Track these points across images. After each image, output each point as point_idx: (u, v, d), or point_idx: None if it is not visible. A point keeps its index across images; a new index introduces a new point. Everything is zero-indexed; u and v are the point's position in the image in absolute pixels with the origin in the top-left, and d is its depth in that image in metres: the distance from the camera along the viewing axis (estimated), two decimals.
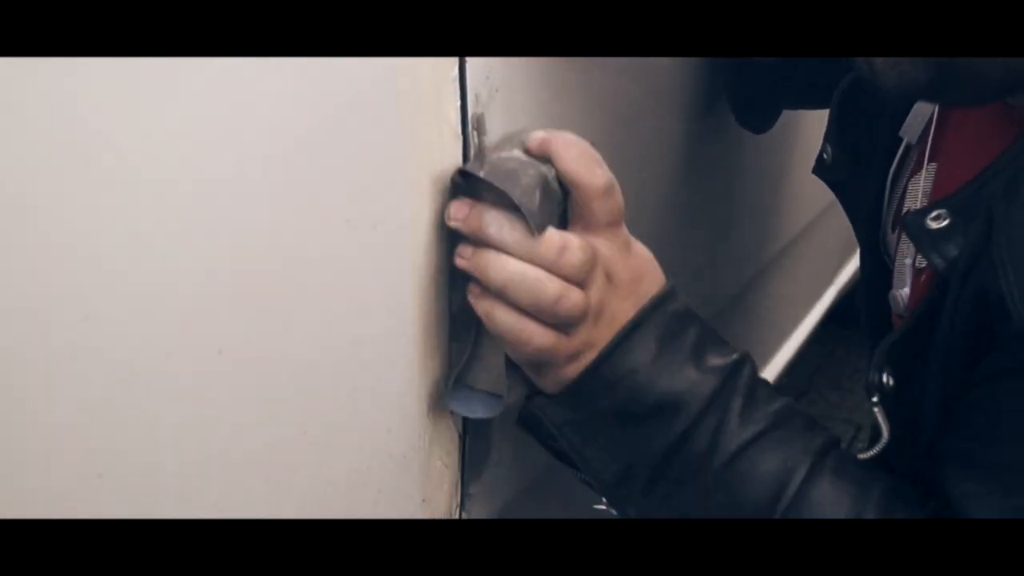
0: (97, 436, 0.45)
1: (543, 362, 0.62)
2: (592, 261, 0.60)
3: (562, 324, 0.60)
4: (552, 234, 0.58)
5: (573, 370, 0.62)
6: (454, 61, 0.60)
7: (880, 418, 0.65)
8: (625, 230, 0.63)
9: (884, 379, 0.65)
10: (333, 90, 0.53)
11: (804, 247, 1.53)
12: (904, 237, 0.73)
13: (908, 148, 0.78)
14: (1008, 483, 0.57)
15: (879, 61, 0.58)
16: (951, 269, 0.59)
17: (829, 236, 1.63)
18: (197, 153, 0.47)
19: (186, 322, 0.48)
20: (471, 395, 0.66)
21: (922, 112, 0.75)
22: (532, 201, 0.57)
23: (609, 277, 0.62)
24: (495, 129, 0.64)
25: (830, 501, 0.60)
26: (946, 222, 0.61)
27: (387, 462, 0.63)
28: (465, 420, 0.70)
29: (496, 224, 0.58)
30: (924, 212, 0.62)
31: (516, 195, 0.57)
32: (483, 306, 0.60)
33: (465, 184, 0.61)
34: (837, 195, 0.90)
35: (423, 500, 0.67)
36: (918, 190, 0.73)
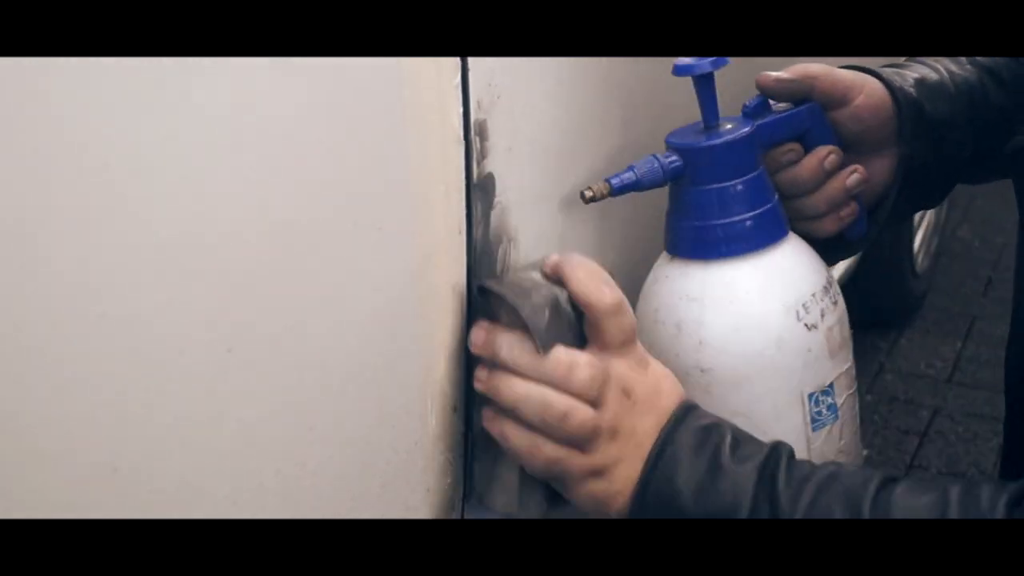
0: (113, 431, 0.46)
1: (560, 476, 0.61)
2: (602, 378, 0.60)
3: (575, 441, 0.60)
4: (560, 352, 0.59)
5: (605, 488, 0.61)
6: (457, 69, 0.60)
7: None
8: (640, 347, 0.63)
9: None
10: (342, 99, 0.53)
11: None
12: None
13: None
14: None
15: None
16: None
17: None
18: (213, 159, 0.47)
19: (198, 322, 0.48)
20: (486, 512, 0.67)
21: None
22: (541, 319, 0.58)
23: (627, 393, 0.61)
24: (496, 135, 0.65)
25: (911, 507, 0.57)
26: None
27: (392, 456, 0.63)
28: (469, 416, 0.70)
29: (507, 346, 0.60)
30: None
31: (525, 312, 0.58)
32: (497, 427, 0.62)
33: (484, 301, 0.62)
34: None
35: (427, 490, 0.67)
36: None
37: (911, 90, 0.81)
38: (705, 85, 0.72)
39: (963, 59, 0.87)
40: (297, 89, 0.50)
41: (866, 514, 0.57)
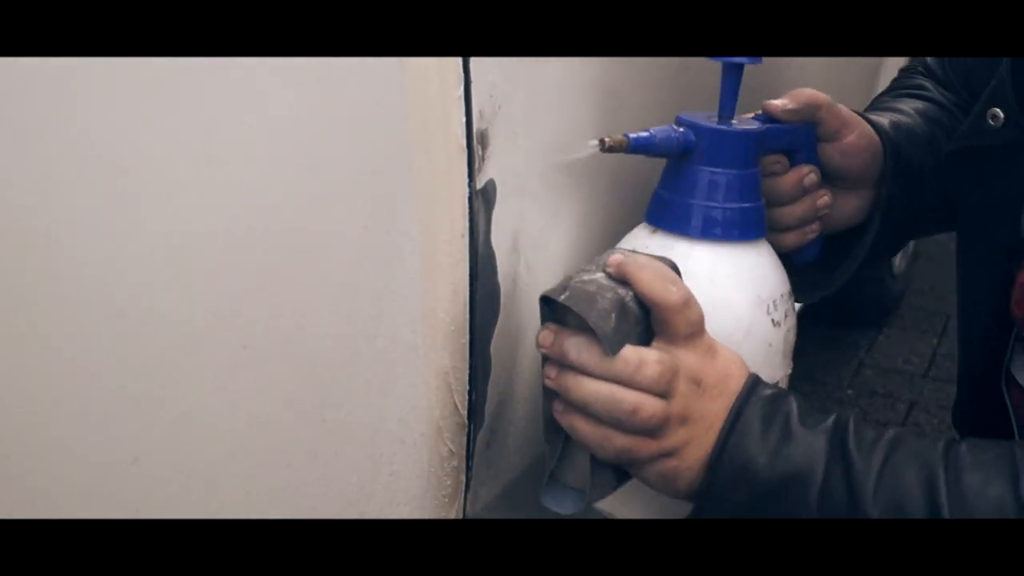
0: (133, 424, 0.45)
1: (630, 461, 0.62)
2: (671, 372, 0.60)
3: (645, 431, 0.60)
4: (628, 352, 0.59)
5: (675, 465, 0.61)
6: (460, 80, 0.60)
7: None
8: (708, 336, 0.63)
9: None
10: (351, 110, 0.53)
11: None
12: None
13: None
14: None
15: None
16: None
17: None
18: (229, 163, 0.47)
19: (214, 320, 0.48)
20: (562, 491, 0.67)
21: None
22: (608, 324, 0.58)
23: (697, 383, 0.61)
24: (497, 143, 0.64)
25: (981, 485, 0.57)
26: None
27: (399, 448, 0.63)
28: (471, 410, 0.70)
29: (576, 350, 0.59)
30: None
31: (592, 319, 0.58)
32: (567, 420, 0.62)
33: (549, 309, 0.62)
34: (968, 169, 0.80)
35: (431, 481, 0.67)
36: None
37: (892, 133, 0.83)
38: (733, 76, 0.72)
39: (912, 110, 0.91)
40: (311, 102, 0.50)
41: (939, 470, 0.57)
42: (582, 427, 0.61)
